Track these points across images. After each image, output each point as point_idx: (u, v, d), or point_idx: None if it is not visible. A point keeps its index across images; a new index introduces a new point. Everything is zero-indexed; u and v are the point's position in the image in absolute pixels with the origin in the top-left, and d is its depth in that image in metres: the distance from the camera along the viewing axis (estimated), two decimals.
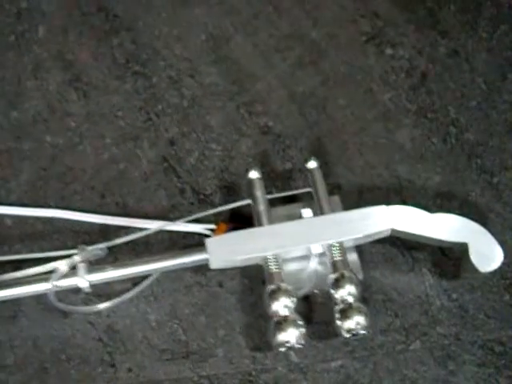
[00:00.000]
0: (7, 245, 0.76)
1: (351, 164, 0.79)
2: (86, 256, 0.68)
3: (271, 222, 0.69)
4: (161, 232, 0.74)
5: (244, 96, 0.84)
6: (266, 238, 0.67)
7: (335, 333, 0.65)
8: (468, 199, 0.76)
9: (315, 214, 0.70)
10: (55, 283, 0.67)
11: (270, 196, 0.72)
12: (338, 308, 0.64)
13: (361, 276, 0.69)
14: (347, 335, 0.64)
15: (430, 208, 0.70)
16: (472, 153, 0.79)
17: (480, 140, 0.79)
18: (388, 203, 0.69)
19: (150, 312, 0.72)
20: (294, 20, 0.88)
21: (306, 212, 0.70)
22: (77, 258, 0.68)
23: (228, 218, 0.76)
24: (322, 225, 0.68)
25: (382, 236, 0.69)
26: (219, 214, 0.75)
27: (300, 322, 0.64)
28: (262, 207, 0.70)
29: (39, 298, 0.71)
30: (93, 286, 0.69)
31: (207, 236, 0.72)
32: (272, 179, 0.78)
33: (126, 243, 0.73)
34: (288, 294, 0.65)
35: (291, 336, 0.63)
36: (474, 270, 0.67)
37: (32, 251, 0.74)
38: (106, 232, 0.76)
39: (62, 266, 0.67)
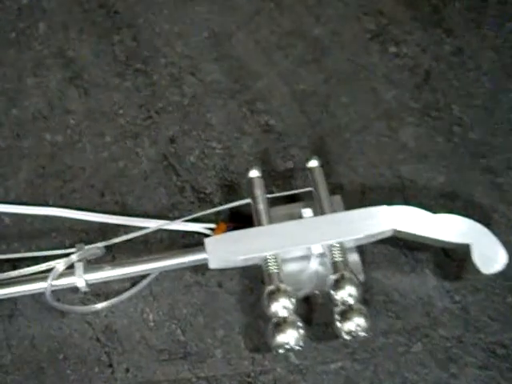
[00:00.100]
0: (5, 243, 0.75)
1: (353, 163, 0.78)
2: (84, 255, 0.68)
3: (271, 221, 0.68)
4: (160, 231, 0.74)
5: (245, 94, 0.83)
6: (265, 237, 0.66)
7: (335, 334, 0.64)
8: (472, 199, 0.75)
9: (316, 213, 0.69)
10: (52, 282, 0.67)
11: (270, 195, 0.71)
12: (337, 309, 0.64)
13: (362, 277, 0.68)
14: (347, 337, 0.63)
15: (434, 208, 0.68)
16: (476, 152, 0.77)
17: (484, 139, 0.78)
18: (391, 203, 0.68)
19: (149, 312, 0.71)
20: (297, 17, 0.88)
21: (307, 212, 0.69)
22: (74, 257, 0.67)
23: (228, 217, 0.75)
24: (323, 225, 0.67)
25: (383, 236, 0.68)
26: (219, 213, 0.74)
27: (299, 324, 0.63)
28: (261, 206, 0.69)
29: (36, 297, 0.70)
30: (91, 285, 0.69)
31: (207, 235, 0.71)
32: (273, 178, 0.77)
33: (125, 242, 0.72)
34: (287, 294, 0.64)
35: (290, 338, 0.62)
36: (477, 271, 0.66)
37: (30, 250, 0.74)
38: (105, 231, 0.75)
39: (59, 265, 0.67)
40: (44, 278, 0.67)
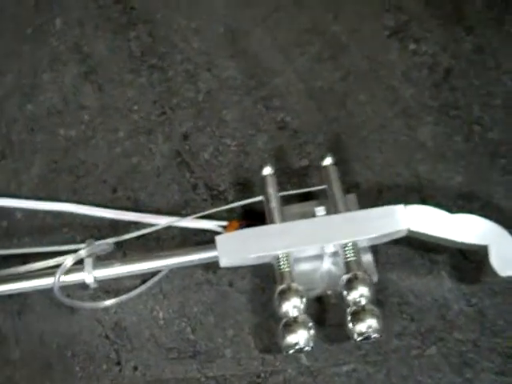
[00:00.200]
0: (16, 238, 0.75)
1: (370, 162, 0.76)
2: (93, 250, 0.67)
3: (284, 219, 0.67)
4: (172, 228, 0.73)
5: (261, 90, 0.82)
6: (277, 236, 0.65)
7: (348, 336, 0.62)
8: (491, 200, 0.73)
9: (329, 212, 0.68)
10: (60, 278, 0.66)
11: (282, 193, 0.70)
12: (349, 310, 0.62)
13: (375, 277, 0.67)
14: (359, 338, 0.61)
15: (451, 209, 0.67)
16: (496, 152, 0.75)
17: (504, 139, 0.76)
18: (407, 203, 0.66)
19: (159, 309, 0.70)
20: (315, 14, 0.86)
21: (320, 210, 0.68)
22: (83, 253, 0.66)
23: (241, 215, 0.74)
24: (336, 223, 0.65)
25: (398, 236, 0.66)
26: (232, 210, 0.73)
27: (310, 324, 0.62)
28: (274, 204, 0.68)
29: (46, 292, 0.69)
30: (101, 281, 0.68)
31: (219, 233, 0.70)
32: (288, 176, 0.76)
33: (137, 239, 0.72)
34: (299, 294, 0.62)
35: (300, 338, 0.61)
36: (495, 274, 0.64)
37: (41, 245, 0.73)
38: (117, 227, 0.74)
39: (68, 260, 0.66)
40: (53, 274, 0.66)
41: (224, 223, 0.72)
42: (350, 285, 0.62)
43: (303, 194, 0.73)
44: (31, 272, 0.68)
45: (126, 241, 0.71)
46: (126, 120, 0.81)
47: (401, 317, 0.68)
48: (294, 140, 0.78)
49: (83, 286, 0.68)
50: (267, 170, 0.70)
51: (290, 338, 0.61)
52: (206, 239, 0.72)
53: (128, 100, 0.83)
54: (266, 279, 0.70)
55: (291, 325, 0.61)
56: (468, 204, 0.73)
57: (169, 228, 0.73)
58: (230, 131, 0.80)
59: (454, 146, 0.76)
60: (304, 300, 0.62)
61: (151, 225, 0.71)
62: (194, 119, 0.81)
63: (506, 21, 0.83)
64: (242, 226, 0.70)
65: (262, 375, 0.66)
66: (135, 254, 0.70)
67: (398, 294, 0.69)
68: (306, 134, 0.79)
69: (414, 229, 0.65)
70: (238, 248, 0.65)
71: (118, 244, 0.70)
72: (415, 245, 0.70)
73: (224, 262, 0.65)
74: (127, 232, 0.71)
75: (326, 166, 0.70)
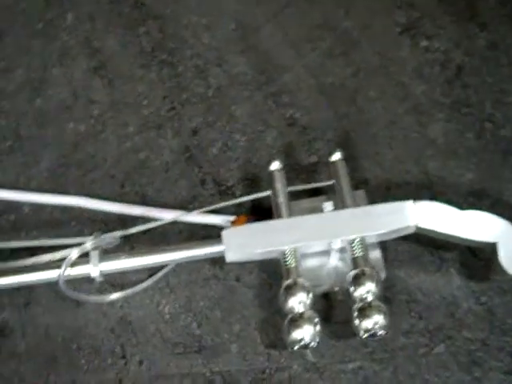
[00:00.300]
0: (24, 232, 0.75)
1: (380, 158, 0.76)
2: (98, 243, 0.67)
3: (291, 215, 0.67)
4: (179, 223, 0.73)
5: (272, 86, 0.82)
6: (283, 231, 0.65)
7: (354, 332, 0.62)
8: (502, 198, 0.72)
9: (337, 207, 0.67)
10: (66, 270, 0.66)
11: (290, 188, 0.70)
12: (356, 306, 0.61)
13: (383, 274, 0.66)
14: (365, 335, 0.60)
15: (462, 206, 0.66)
16: (508, 150, 0.74)
17: None
18: (417, 199, 0.65)
19: (165, 304, 0.70)
20: (326, 9, 0.86)
21: (328, 205, 0.67)
22: (88, 245, 0.66)
23: (249, 210, 0.74)
24: (343, 219, 0.65)
25: (406, 233, 0.65)
26: (240, 206, 0.73)
27: (316, 320, 0.61)
28: (281, 199, 0.68)
29: (52, 286, 0.69)
30: (107, 275, 0.68)
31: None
32: (297, 172, 0.75)
33: (143, 234, 0.71)
34: (305, 289, 0.62)
35: (306, 334, 0.60)
36: (504, 272, 0.63)
37: (48, 238, 0.73)
38: (124, 221, 0.74)
39: (73, 252, 0.66)
40: (59, 267, 0.66)
41: (232, 218, 0.71)
42: (357, 281, 0.62)
43: (312, 190, 0.72)
44: (36, 265, 0.68)
45: (132, 235, 0.70)
46: (136, 115, 0.81)
47: (409, 314, 0.67)
48: (303, 136, 0.78)
49: (89, 279, 0.68)
50: (275, 165, 0.69)
51: (296, 334, 0.60)
52: (213, 234, 0.72)
53: (138, 95, 0.83)
54: (274, 274, 0.69)
55: (297, 320, 0.61)
56: (479, 201, 0.72)
57: (176, 223, 0.72)
58: (240, 127, 0.79)
59: (465, 143, 0.75)
60: (310, 295, 0.62)
61: (158, 219, 0.71)
62: (203, 114, 0.80)
63: None
64: (249, 221, 0.69)
65: (268, 371, 0.65)
66: (141, 248, 0.70)
67: (406, 292, 0.68)
68: (316, 130, 0.78)
69: (422, 225, 0.64)
70: (244, 242, 0.65)
71: (125, 238, 0.70)
72: (424, 242, 0.69)
73: (230, 257, 0.65)
74: (135, 226, 0.71)
75: (334, 162, 0.70)
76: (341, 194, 0.67)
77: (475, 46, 0.81)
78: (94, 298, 0.69)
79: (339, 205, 0.67)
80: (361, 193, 0.70)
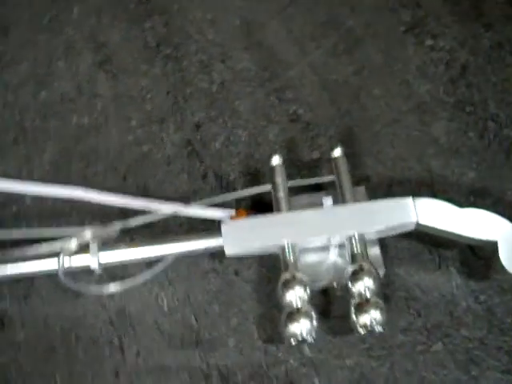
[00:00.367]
0: (25, 223, 0.75)
1: (382, 156, 0.75)
2: (97, 233, 0.67)
3: (291, 209, 0.67)
4: (179, 216, 0.72)
5: (275, 82, 0.82)
6: (283, 225, 0.65)
7: (352, 328, 0.61)
8: (503, 197, 0.71)
9: (337, 203, 0.67)
10: (65, 262, 0.66)
11: (290, 183, 0.69)
12: (354, 302, 0.61)
13: (382, 271, 0.66)
14: (362, 331, 0.60)
15: (463, 205, 0.66)
16: (510, 150, 0.74)
17: None
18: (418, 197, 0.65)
19: (163, 297, 0.70)
20: (331, 7, 0.86)
21: (328, 200, 0.67)
22: (87, 234, 0.66)
23: (250, 205, 0.73)
24: (343, 214, 0.65)
25: (406, 229, 0.65)
26: (241, 200, 0.73)
27: (313, 314, 0.61)
28: (281, 194, 0.67)
29: (53, 277, 0.69)
30: (106, 267, 0.68)
31: None
32: (299, 168, 0.75)
33: (144, 227, 0.71)
34: (303, 284, 0.61)
35: (303, 328, 0.60)
36: (504, 270, 0.63)
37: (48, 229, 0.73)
38: (125, 214, 0.74)
39: (72, 241, 0.66)
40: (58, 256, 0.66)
41: (232, 212, 0.71)
42: (356, 276, 0.61)
43: (313, 186, 0.72)
44: (35, 255, 0.68)
45: (133, 228, 0.70)
46: (139, 109, 0.82)
47: (407, 312, 0.67)
48: (305, 132, 0.78)
49: (89, 272, 0.68)
50: (276, 160, 0.69)
51: (293, 328, 0.60)
52: (213, 228, 0.72)
53: (141, 89, 0.83)
54: (272, 269, 0.69)
55: (294, 314, 0.60)
56: (480, 200, 0.71)
57: (176, 216, 0.72)
58: (242, 122, 0.79)
59: (468, 142, 0.75)
60: (308, 290, 0.62)
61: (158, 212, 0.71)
62: (206, 109, 0.80)
63: None
64: (249, 215, 0.69)
65: (264, 365, 0.65)
66: (141, 240, 0.70)
67: (405, 289, 0.68)
68: (318, 126, 0.78)
69: (422, 222, 0.64)
70: (243, 236, 0.64)
71: (125, 231, 0.70)
72: (424, 240, 0.69)
73: (229, 250, 0.65)
74: (135, 219, 0.71)
75: (335, 157, 0.70)
76: (341, 190, 0.67)
77: (480, 46, 0.81)
78: (93, 289, 0.69)
79: (339, 200, 0.67)
80: (361, 189, 0.70)
